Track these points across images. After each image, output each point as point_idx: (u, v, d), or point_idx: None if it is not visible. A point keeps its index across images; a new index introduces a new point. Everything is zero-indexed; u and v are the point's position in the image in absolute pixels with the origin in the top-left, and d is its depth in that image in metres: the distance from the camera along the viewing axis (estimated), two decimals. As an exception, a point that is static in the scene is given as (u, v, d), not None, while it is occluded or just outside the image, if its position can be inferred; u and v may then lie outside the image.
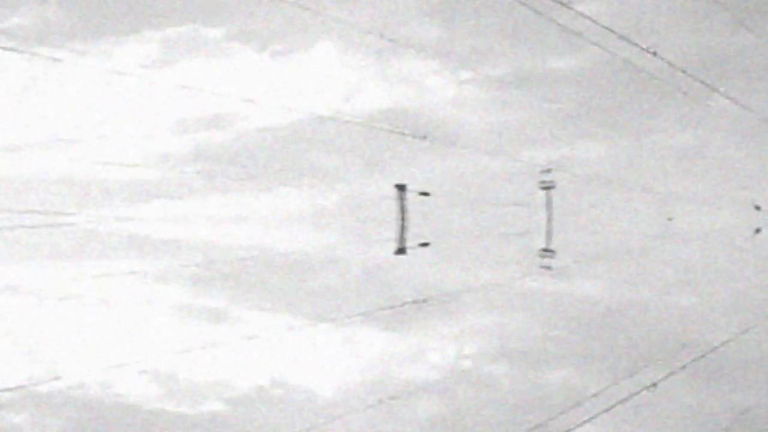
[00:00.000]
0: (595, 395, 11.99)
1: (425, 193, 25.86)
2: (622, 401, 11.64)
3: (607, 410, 11.15)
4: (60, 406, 11.80)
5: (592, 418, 10.80)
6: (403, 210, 25.34)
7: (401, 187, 26.11)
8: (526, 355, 15.42)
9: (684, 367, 14.13)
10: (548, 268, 30.88)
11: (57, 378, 13.66)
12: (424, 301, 24.32)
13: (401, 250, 27.88)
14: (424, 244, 28.06)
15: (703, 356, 15.09)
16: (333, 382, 13.31)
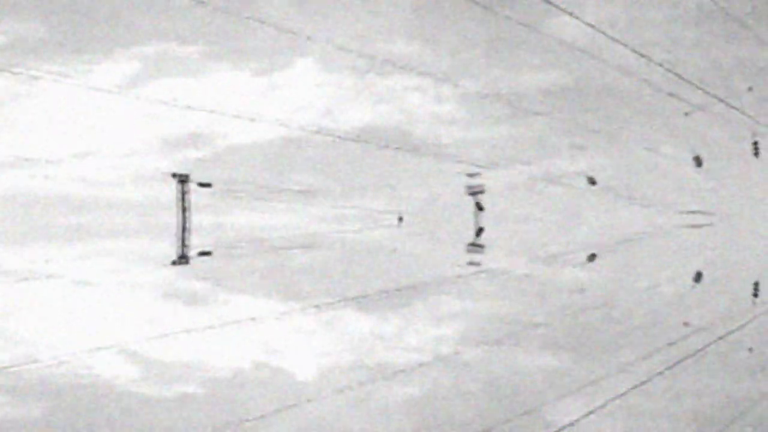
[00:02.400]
0: (584, 383, 12.06)
1: (206, 185, 23.80)
2: (602, 387, 11.70)
3: (586, 395, 11.20)
4: (39, 387, 11.76)
5: (573, 403, 10.86)
6: (184, 206, 23.37)
7: (182, 178, 23.71)
8: (504, 340, 15.46)
9: (661, 350, 14.22)
10: (476, 264, 29.00)
11: (35, 360, 13.61)
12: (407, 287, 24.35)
13: (182, 258, 25.51)
14: (205, 253, 25.90)
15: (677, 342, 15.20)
16: (312, 364, 13.31)
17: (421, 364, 13.19)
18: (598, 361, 13.41)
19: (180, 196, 23.61)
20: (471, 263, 27.89)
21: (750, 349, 13.80)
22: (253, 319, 18.16)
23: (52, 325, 17.31)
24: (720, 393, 11.27)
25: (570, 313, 19.01)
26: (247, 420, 10.04)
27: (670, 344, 14.89)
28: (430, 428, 9.72)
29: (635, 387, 11.59)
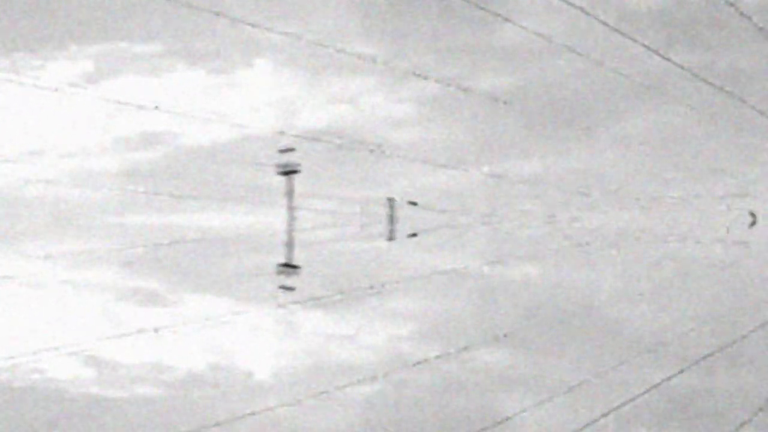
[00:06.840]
0: (532, 377, 12.17)
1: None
2: (558, 383, 11.82)
3: (542, 392, 11.31)
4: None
5: (538, 401, 10.96)
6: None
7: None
8: (459, 338, 15.56)
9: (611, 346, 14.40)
10: (290, 289, 23.66)
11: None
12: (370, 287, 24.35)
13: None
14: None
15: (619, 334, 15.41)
16: (269, 364, 13.29)
17: (378, 363, 13.23)
18: (555, 358, 13.55)
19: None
20: (283, 288, 23.63)
21: None
22: (208, 319, 18.06)
23: (3, 326, 17.06)
24: (676, 387, 11.44)
25: (526, 312, 19.18)
26: (205, 421, 9.99)
27: (624, 340, 15.10)
28: (388, 427, 9.74)
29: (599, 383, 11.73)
